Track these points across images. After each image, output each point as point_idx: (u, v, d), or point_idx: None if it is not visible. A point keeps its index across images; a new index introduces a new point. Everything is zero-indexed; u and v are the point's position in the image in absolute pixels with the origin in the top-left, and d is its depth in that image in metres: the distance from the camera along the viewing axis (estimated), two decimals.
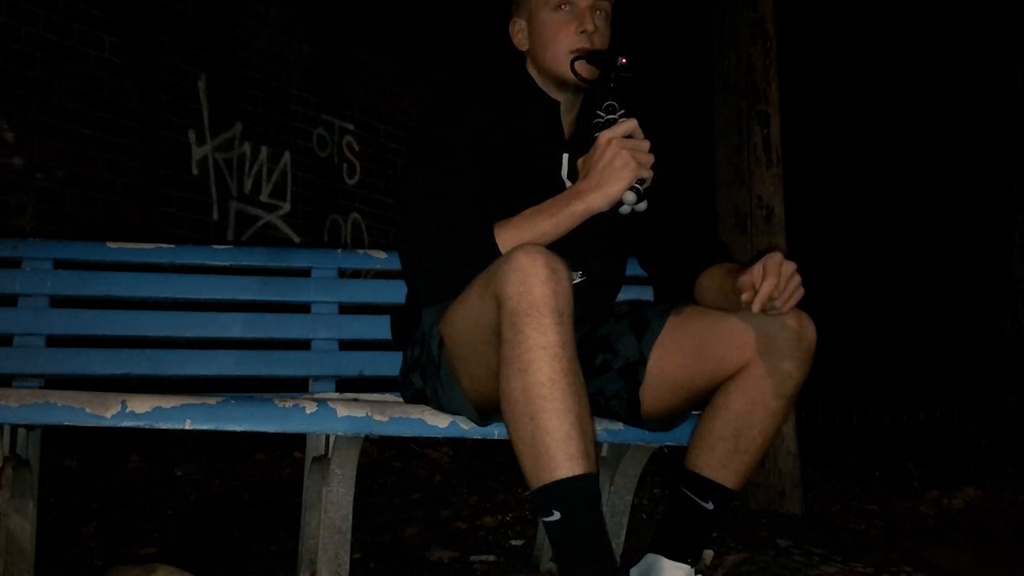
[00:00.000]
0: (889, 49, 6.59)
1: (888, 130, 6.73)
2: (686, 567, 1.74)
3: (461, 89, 1.85)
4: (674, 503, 1.78)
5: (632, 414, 1.77)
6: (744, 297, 1.58)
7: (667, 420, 1.80)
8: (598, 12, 1.79)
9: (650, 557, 1.78)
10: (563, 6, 1.79)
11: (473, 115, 1.80)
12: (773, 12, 3.45)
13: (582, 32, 1.77)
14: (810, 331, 1.66)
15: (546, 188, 1.73)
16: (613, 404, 1.78)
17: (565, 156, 1.85)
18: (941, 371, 5.49)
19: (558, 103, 1.86)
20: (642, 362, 1.74)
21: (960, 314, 5.65)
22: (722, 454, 1.70)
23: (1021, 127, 5.02)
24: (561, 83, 1.83)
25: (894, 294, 5.76)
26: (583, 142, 1.76)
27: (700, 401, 1.78)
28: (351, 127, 5.79)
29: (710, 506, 1.72)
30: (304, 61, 5.44)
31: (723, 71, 3.46)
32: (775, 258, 1.58)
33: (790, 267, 1.58)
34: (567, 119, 1.88)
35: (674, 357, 1.72)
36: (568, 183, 1.82)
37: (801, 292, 1.60)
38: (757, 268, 1.58)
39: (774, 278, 1.56)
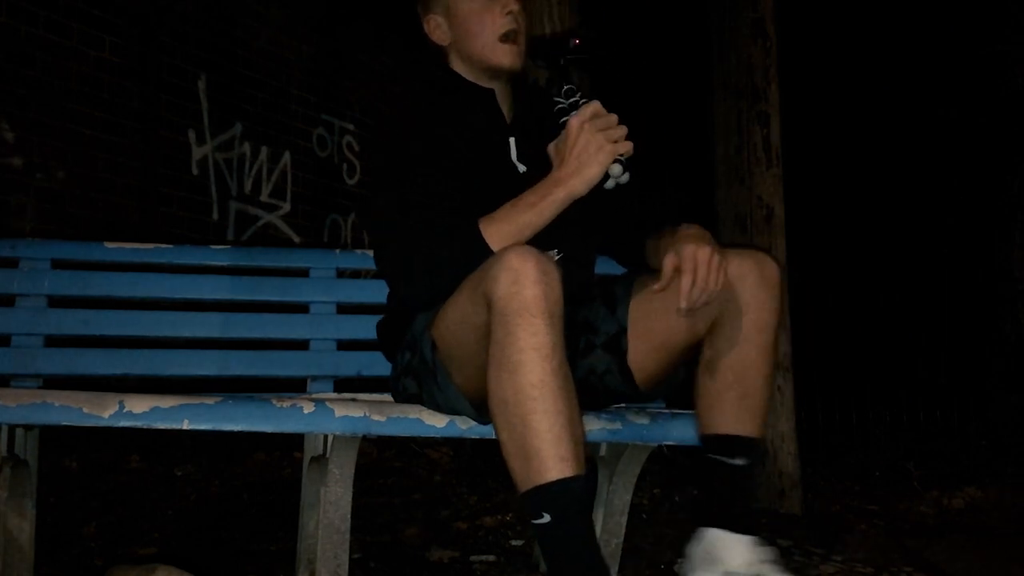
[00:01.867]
0: (889, 49, 6.58)
1: (888, 130, 6.72)
2: (749, 538, 1.65)
3: (399, 109, 1.86)
4: (707, 473, 1.71)
5: (628, 384, 1.78)
6: (656, 290, 1.62)
7: (662, 383, 1.82)
8: None
9: (710, 533, 1.67)
10: None
11: (421, 121, 1.81)
12: (773, 12, 3.45)
13: (508, 14, 1.78)
14: (769, 265, 1.68)
15: (501, 174, 1.76)
16: (607, 380, 1.79)
17: (512, 140, 1.85)
18: (941, 371, 5.49)
19: (492, 91, 1.87)
20: (622, 331, 1.75)
21: (960, 314, 5.65)
22: (730, 404, 1.68)
23: (1021, 127, 5.02)
24: (491, 71, 1.83)
25: (894, 294, 5.76)
26: (526, 123, 1.79)
27: (686, 357, 1.78)
28: (351, 127, 5.79)
29: (741, 462, 1.67)
30: (304, 61, 5.44)
31: (723, 71, 3.47)
32: (687, 250, 1.59)
33: (704, 255, 1.58)
34: (505, 103, 1.89)
35: (648, 320, 1.73)
36: (519, 165, 1.83)
37: (722, 276, 1.60)
38: (668, 261, 1.60)
39: (690, 276, 1.57)
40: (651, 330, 1.73)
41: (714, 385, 1.69)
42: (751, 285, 1.66)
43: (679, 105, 5.70)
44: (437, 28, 1.88)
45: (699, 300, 1.59)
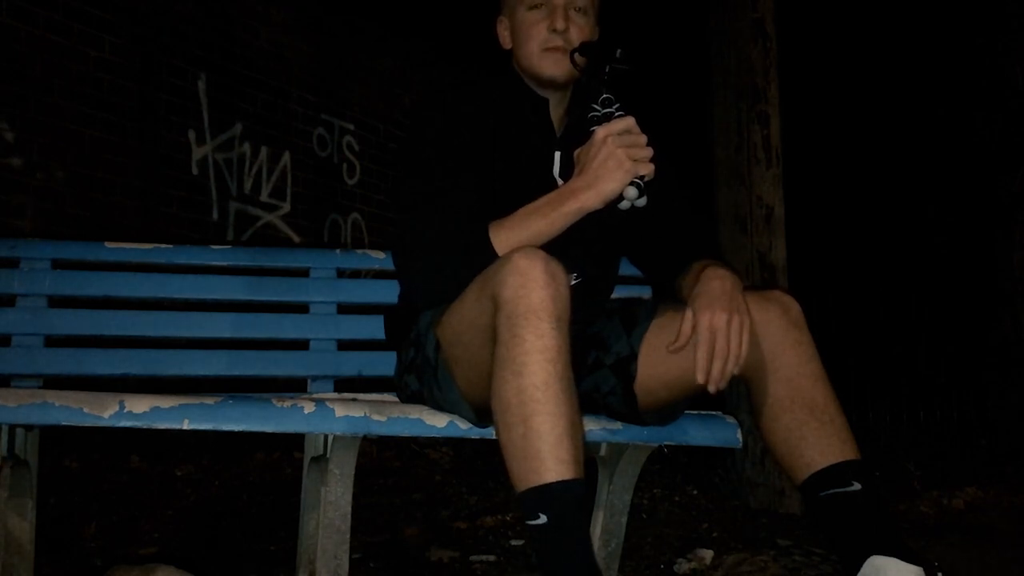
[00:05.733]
0: (889, 48, 6.58)
1: (888, 129, 6.73)
2: (918, 569, 1.49)
3: (457, 84, 1.85)
4: (833, 512, 1.58)
5: (630, 409, 1.76)
6: (671, 350, 1.59)
7: (665, 413, 1.79)
8: (574, 8, 1.78)
9: (878, 560, 1.50)
10: (538, 3, 1.78)
11: (469, 109, 1.79)
12: (773, 12, 3.46)
13: (553, 31, 1.76)
14: (793, 305, 1.65)
15: (538, 186, 1.72)
16: (610, 400, 1.78)
17: (557, 154, 1.84)
18: (941, 371, 5.49)
19: (547, 100, 1.85)
20: (633, 357, 1.73)
21: (960, 314, 5.65)
22: (815, 437, 1.60)
23: (1021, 126, 5.02)
24: (538, 81, 1.82)
25: (894, 294, 5.76)
26: (575, 138, 1.74)
27: (697, 393, 1.76)
28: (351, 127, 5.79)
29: (858, 486, 1.56)
30: (304, 61, 5.44)
31: (723, 71, 3.47)
32: (703, 319, 1.55)
33: (721, 322, 1.54)
34: (556, 115, 1.87)
35: (664, 352, 1.69)
36: (560, 181, 1.81)
37: (744, 344, 1.55)
38: (685, 324, 1.56)
39: (706, 348, 1.53)
40: (666, 362, 1.69)
41: (788, 426, 1.61)
42: (780, 328, 1.62)
43: (679, 105, 5.71)
44: (504, 31, 1.88)
45: (717, 374, 1.54)
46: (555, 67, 1.78)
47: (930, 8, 5.93)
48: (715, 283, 1.60)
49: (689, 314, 1.58)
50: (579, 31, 1.77)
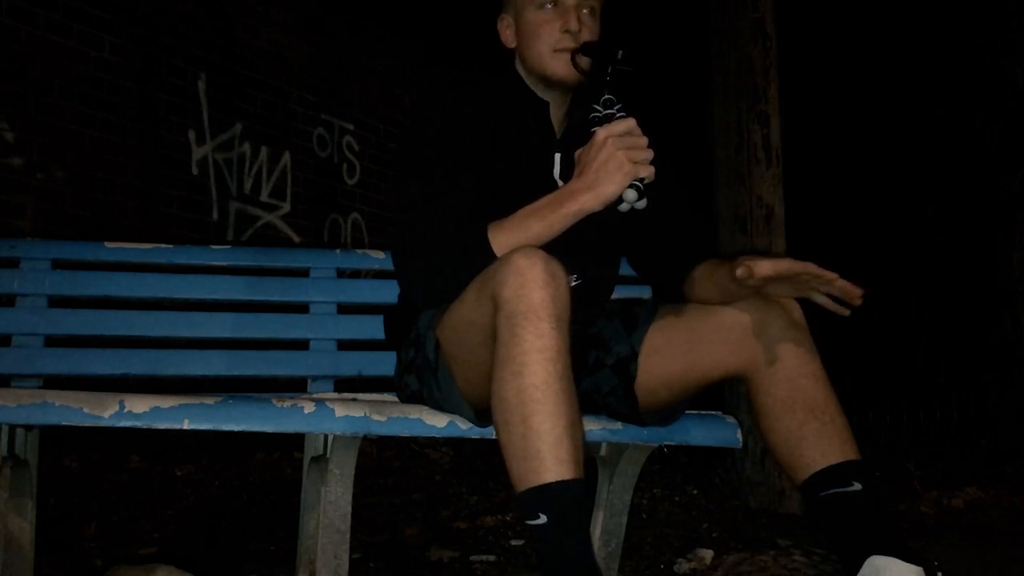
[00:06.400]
0: (889, 48, 6.58)
1: (888, 129, 6.73)
2: (918, 569, 1.49)
3: (457, 84, 1.84)
4: (833, 512, 1.58)
5: (630, 409, 1.76)
6: (740, 272, 1.53)
7: (665, 414, 1.79)
8: (585, 10, 1.77)
9: (878, 560, 1.50)
10: (548, 4, 1.77)
11: (469, 110, 1.79)
12: (773, 12, 3.46)
13: (565, 31, 1.75)
14: (795, 308, 1.66)
15: (538, 188, 1.71)
16: (610, 401, 1.78)
17: (557, 156, 1.84)
18: (941, 371, 5.49)
19: (547, 102, 1.85)
20: (633, 356, 1.73)
21: (960, 314, 5.65)
22: (815, 437, 1.60)
23: (1021, 126, 5.02)
24: (546, 81, 1.81)
25: (894, 294, 5.76)
26: (575, 140, 1.73)
27: (697, 394, 1.76)
28: (351, 127, 5.79)
29: (858, 486, 1.56)
30: (304, 61, 5.44)
31: (723, 71, 3.47)
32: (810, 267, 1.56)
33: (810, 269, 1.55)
34: (557, 117, 1.86)
35: (664, 352, 1.70)
36: (560, 183, 1.80)
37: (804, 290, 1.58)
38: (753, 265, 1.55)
39: (797, 265, 1.53)
40: (667, 361, 1.69)
41: (789, 427, 1.61)
42: (781, 329, 1.63)
43: (679, 105, 5.70)
44: (507, 29, 1.86)
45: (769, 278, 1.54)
46: (565, 68, 1.76)
47: (930, 8, 5.93)
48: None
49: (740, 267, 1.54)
50: (589, 33, 1.77)
